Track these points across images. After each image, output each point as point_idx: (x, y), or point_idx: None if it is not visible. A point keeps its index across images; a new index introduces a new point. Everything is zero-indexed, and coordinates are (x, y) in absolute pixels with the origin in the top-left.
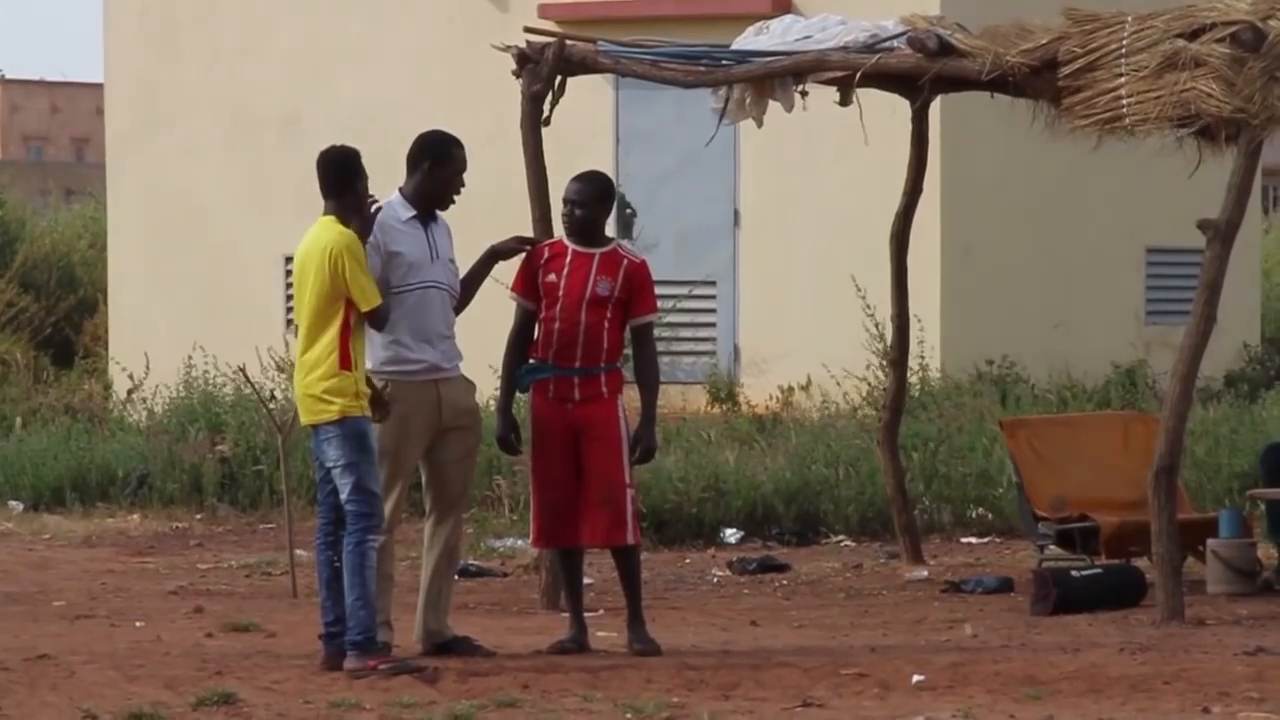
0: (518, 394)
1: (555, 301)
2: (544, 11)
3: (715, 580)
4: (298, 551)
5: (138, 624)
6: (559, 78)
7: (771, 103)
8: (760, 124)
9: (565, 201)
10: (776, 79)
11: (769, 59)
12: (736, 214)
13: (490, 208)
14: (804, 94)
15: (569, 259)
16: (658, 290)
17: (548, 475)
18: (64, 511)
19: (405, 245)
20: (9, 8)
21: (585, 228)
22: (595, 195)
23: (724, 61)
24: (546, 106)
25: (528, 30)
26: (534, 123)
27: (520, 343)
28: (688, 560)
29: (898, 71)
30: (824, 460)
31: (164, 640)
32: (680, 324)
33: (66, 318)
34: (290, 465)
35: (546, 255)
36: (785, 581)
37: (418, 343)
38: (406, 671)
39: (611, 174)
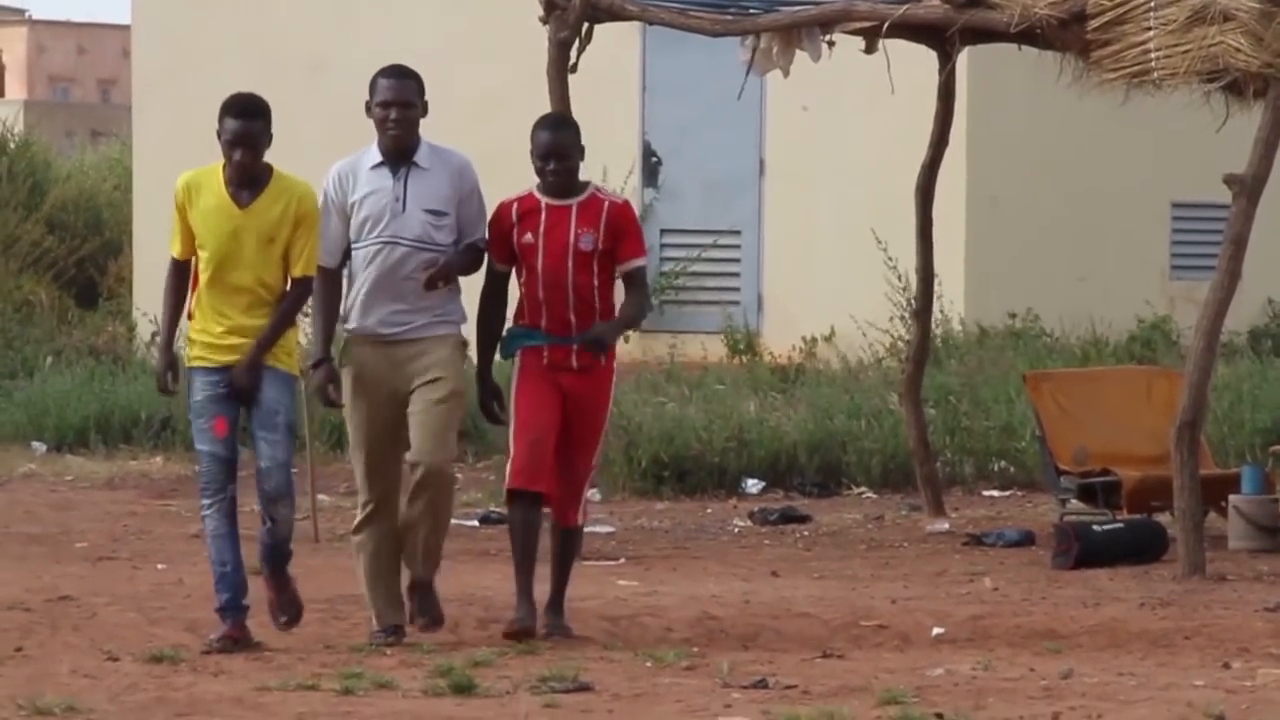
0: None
1: (535, 264)
2: None
3: (736, 530)
4: (320, 496)
5: (159, 566)
6: (586, 24)
7: (799, 52)
8: (787, 74)
9: (544, 156)
10: (804, 28)
11: (796, 8)
12: (762, 163)
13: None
14: (831, 44)
15: (544, 215)
16: (681, 239)
17: (535, 417)
18: (87, 453)
19: (363, 195)
20: None
21: (567, 179)
22: (577, 143)
23: (751, 10)
24: (573, 54)
25: None
26: (560, 70)
27: (494, 306)
28: (709, 510)
29: (925, 22)
30: (846, 411)
31: (185, 583)
32: (704, 273)
33: (91, 259)
34: (313, 409)
35: (516, 212)
36: (806, 533)
37: (371, 302)
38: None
39: (638, 122)
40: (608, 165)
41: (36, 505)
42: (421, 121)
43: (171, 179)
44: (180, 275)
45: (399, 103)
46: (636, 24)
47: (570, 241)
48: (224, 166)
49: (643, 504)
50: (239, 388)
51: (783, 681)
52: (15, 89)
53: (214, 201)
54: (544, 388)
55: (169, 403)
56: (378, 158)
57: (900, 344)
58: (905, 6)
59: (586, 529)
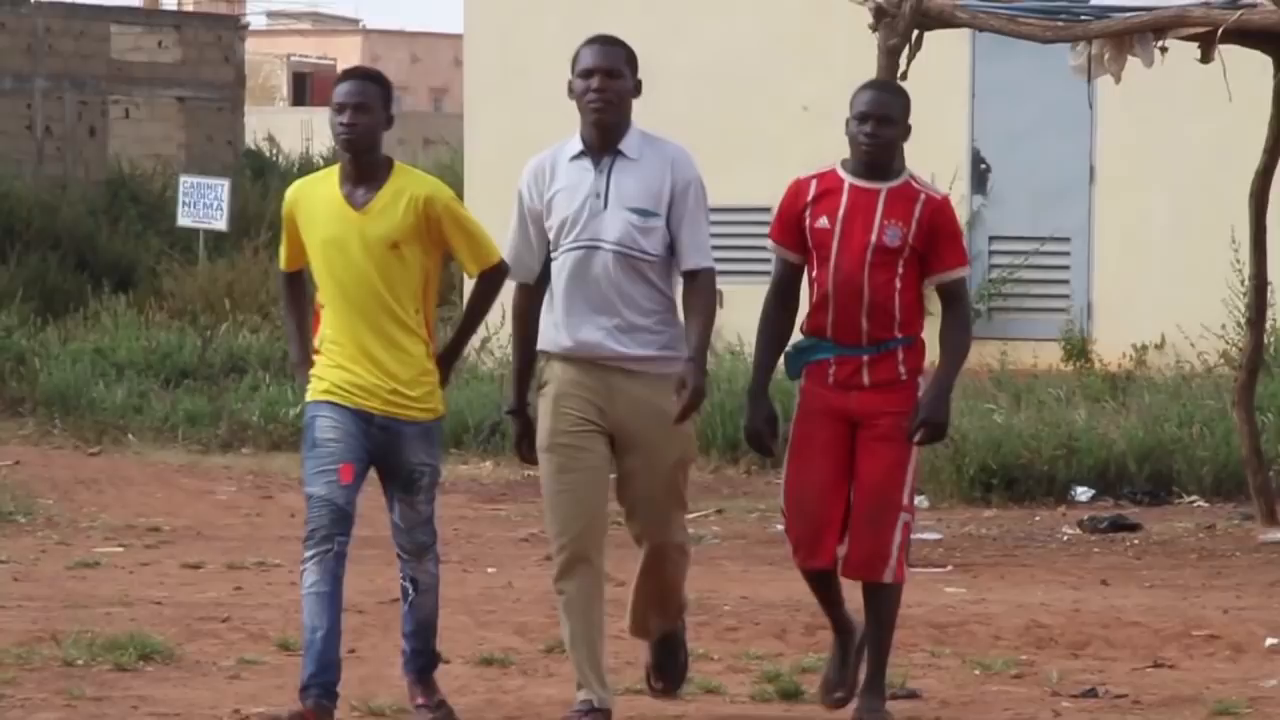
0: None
1: (828, 255)
2: None
3: (1065, 538)
4: None
5: (489, 570)
6: (916, 31)
7: (1130, 58)
8: (1118, 80)
9: (863, 116)
10: (1135, 34)
11: (1129, 14)
12: (1092, 170)
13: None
14: (1163, 50)
15: (845, 196)
16: (1009, 246)
17: (806, 478)
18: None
19: (558, 191)
20: None
21: (886, 152)
22: (903, 109)
23: (1083, 16)
24: (903, 61)
25: None
26: (890, 77)
27: (780, 307)
28: (1038, 518)
29: (1260, 28)
30: (1178, 419)
31: (515, 587)
32: (1033, 280)
33: None
34: None
35: (814, 190)
36: (1136, 541)
37: (570, 318)
38: None
39: (966, 129)
40: (935, 172)
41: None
42: (745, 127)
43: (503, 186)
44: (294, 286)
45: (603, 69)
46: (966, 31)
47: (874, 233)
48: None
49: (970, 511)
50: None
51: (1113, 691)
52: None
53: (323, 204)
54: (821, 431)
55: (498, 409)
56: (578, 146)
57: (1233, 351)
58: (1239, 12)
59: (914, 535)
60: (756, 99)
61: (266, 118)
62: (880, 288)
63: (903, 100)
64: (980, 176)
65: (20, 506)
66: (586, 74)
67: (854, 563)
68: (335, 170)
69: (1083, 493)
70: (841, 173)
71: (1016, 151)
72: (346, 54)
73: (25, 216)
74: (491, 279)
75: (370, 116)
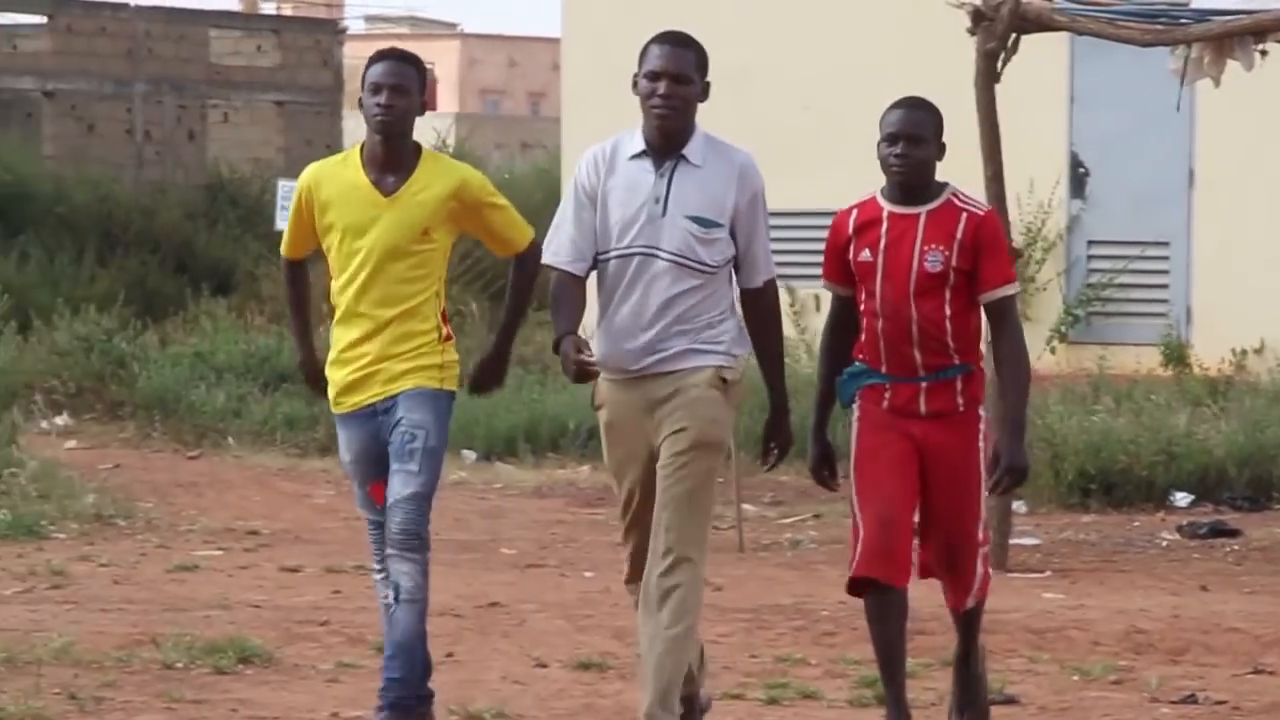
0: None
1: (874, 288)
2: None
3: (1164, 544)
4: (745, 506)
5: (587, 574)
6: (1013, 35)
7: (1230, 61)
8: (1218, 83)
9: (891, 137)
10: (1235, 38)
11: (1228, 17)
12: (1191, 174)
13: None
14: (1263, 53)
15: (885, 224)
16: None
17: (883, 480)
18: (515, 461)
19: (615, 188)
20: None
21: (920, 173)
22: (935, 127)
23: (1182, 20)
24: (1000, 64)
25: None
26: (987, 81)
27: (837, 342)
28: (1136, 523)
29: None
30: (1278, 424)
31: (612, 591)
32: (1132, 285)
33: None
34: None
35: (854, 223)
36: (1236, 547)
37: (618, 331)
38: None
39: (1065, 133)
40: (1034, 177)
41: (466, 513)
42: (840, 130)
43: None
44: (298, 275)
45: (672, 74)
46: (1064, 34)
47: (915, 260)
48: (361, 147)
49: (1069, 516)
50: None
51: (1212, 697)
52: (447, 102)
53: (348, 189)
54: (892, 440)
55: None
56: (639, 145)
57: None
58: None
59: (1011, 540)
60: (852, 102)
61: (364, 122)
62: (928, 316)
63: (934, 118)
64: (1079, 181)
65: (120, 510)
66: (653, 76)
67: (948, 600)
68: (354, 154)
69: (1182, 498)
70: (881, 200)
71: (1115, 156)
72: (445, 58)
73: (125, 220)
74: (528, 261)
75: (407, 99)
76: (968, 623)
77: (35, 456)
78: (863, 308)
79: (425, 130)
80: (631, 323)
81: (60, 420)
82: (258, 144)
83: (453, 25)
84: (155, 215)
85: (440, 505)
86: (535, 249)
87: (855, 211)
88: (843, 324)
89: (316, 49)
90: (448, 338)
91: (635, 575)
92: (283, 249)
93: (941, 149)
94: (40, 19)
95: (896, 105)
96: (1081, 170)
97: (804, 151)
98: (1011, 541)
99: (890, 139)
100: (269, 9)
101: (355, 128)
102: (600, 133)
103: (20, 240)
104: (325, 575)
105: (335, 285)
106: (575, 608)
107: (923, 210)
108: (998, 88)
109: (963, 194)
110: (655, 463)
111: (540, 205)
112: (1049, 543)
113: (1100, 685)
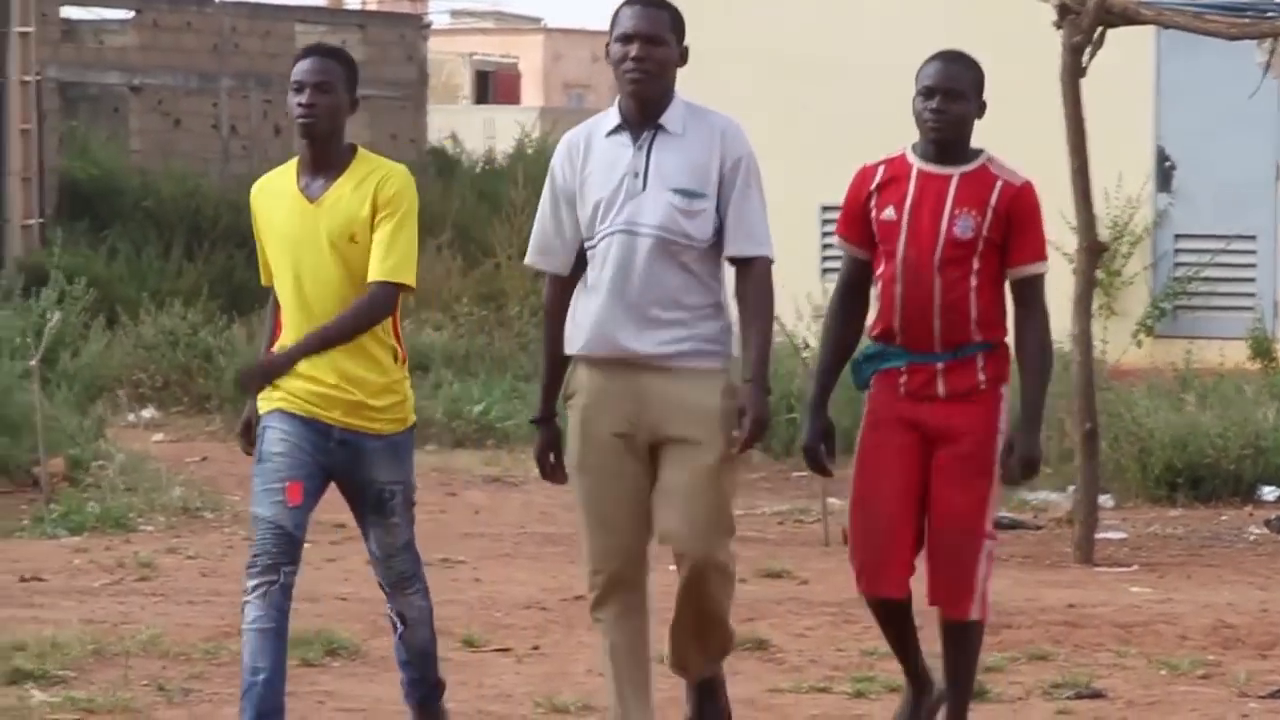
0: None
1: (894, 250)
2: None
3: (1252, 538)
4: (830, 500)
5: (671, 568)
6: (1099, 29)
7: None
8: None
9: (927, 92)
10: None
11: None
12: (1278, 168)
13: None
14: None
15: (913, 182)
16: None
17: (873, 495)
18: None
19: (592, 171)
20: None
21: (957, 130)
22: (974, 82)
23: (1269, 13)
24: (1085, 57)
25: None
26: (1074, 74)
27: (847, 309)
28: (1224, 517)
29: None
30: None
31: None
32: (1219, 279)
33: None
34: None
35: (880, 178)
36: None
37: (604, 316)
38: None
39: (1151, 126)
40: (1122, 171)
41: (551, 506)
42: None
43: None
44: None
45: (645, 36)
46: (1150, 28)
47: (944, 223)
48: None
49: (1155, 510)
50: (244, 383)
51: None
52: (532, 96)
53: (280, 199)
54: (890, 442)
55: None
56: (615, 120)
57: None
58: None
59: (1098, 534)
60: None
61: (449, 116)
62: (953, 285)
63: (973, 72)
64: (1165, 175)
65: (207, 502)
66: (625, 39)
67: (937, 593)
68: (294, 161)
69: (1269, 492)
70: (911, 157)
71: (1202, 149)
72: (529, 53)
73: (212, 215)
74: (380, 296)
75: (331, 97)
76: (965, 646)
77: (123, 449)
78: (880, 272)
79: (509, 124)
80: (618, 309)
81: (147, 413)
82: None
83: (537, 20)
84: (241, 209)
85: (526, 499)
86: (393, 297)
87: (882, 167)
88: (854, 289)
89: (401, 44)
90: (403, 359)
91: (602, 605)
92: (262, 277)
93: (982, 106)
94: (127, 14)
95: (934, 58)
96: (1168, 164)
97: (880, 141)
98: (1098, 536)
99: (926, 92)
100: (354, 4)
101: (440, 122)
102: None
103: (108, 235)
104: None
105: (280, 300)
106: (660, 601)
107: (956, 171)
108: (1084, 82)
109: (1000, 161)
110: (643, 462)
111: None
112: (1136, 537)
113: (1188, 680)
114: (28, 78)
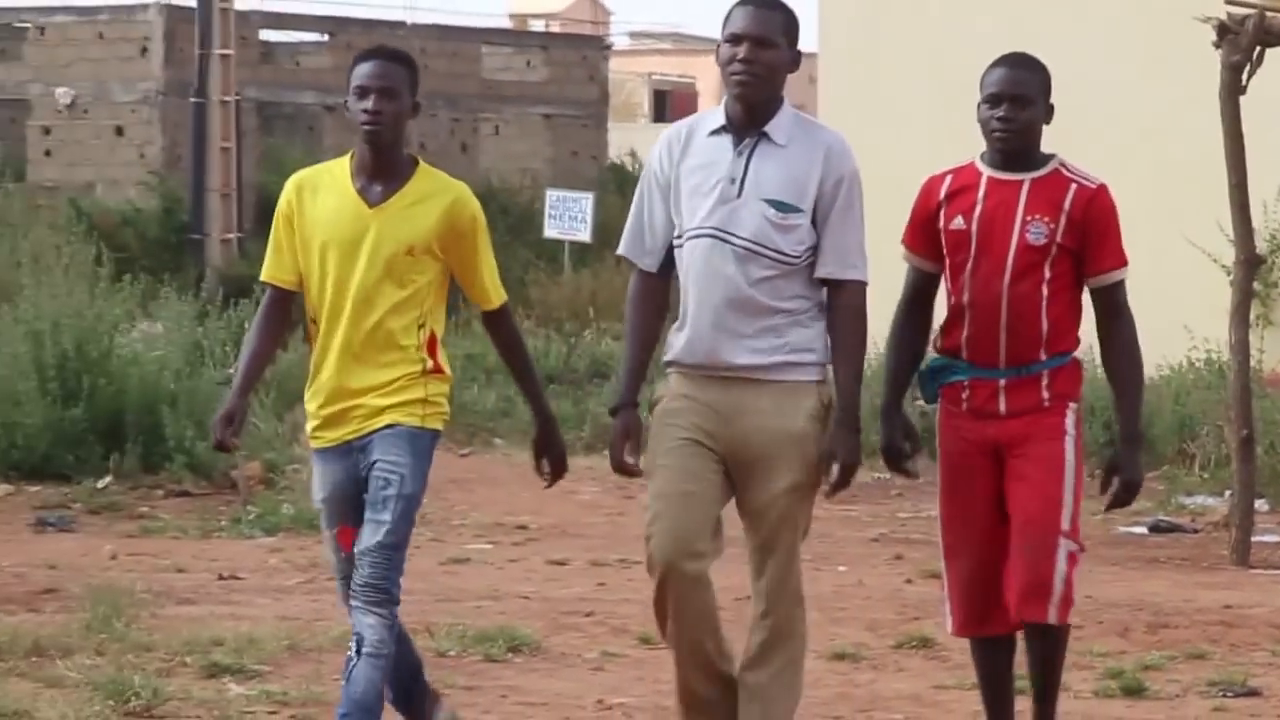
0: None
1: (964, 261)
2: None
3: None
4: None
5: (840, 568)
6: (1258, 48)
7: None
8: None
9: (993, 98)
10: None
11: None
12: None
13: (1187, 174)
14: None
15: (983, 190)
16: None
17: (964, 533)
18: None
19: (691, 168)
20: None
21: (1025, 138)
22: (1041, 86)
23: None
24: (1244, 76)
25: (1229, 3)
26: (1232, 92)
27: (912, 322)
28: None
29: None
30: None
31: (865, 585)
32: None
33: None
34: None
35: (948, 187)
36: None
37: (686, 320)
38: None
39: None
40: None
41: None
42: (1082, 140)
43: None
44: (278, 309)
45: (754, 37)
46: None
47: (1015, 231)
48: (351, 155)
49: None
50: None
51: None
52: None
53: (332, 199)
54: (969, 474)
55: None
56: (720, 120)
57: None
58: None
59: (1254, 537)
60: (1095, 112)
61: (628, 134)
62: (1024, 297)
63: (1040, 76)
64: None
65: None
66: (734, 40)
67: (1014, 601)
68: (344, 162)
69: None
70: (980, 165)
71: None
72: (705, 72)
73: None
74: (500, 321)
75: (397, 103)
76: (1047, 652)
77: None
78: (949, 284)
79: None
80: (701, 314)
81: None
82: (526, 155)
83: (713, 41)
84: None
85: None
86: (506, 310)
87: (950, 177)
88: (920, 303)
89: (583, 64)
90: (435, 370)
91: (665, 605)
92: (264, 273)
93: (1050, 110)
94: (322, 37)
95: (998, 63)
96: None
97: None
98: (1254, 539)
99: (992, 100)
100: (538, 26)
101: (619, 139)
102: (854, 140)
103: None
104: (590, 568)
105: (312, 306)
106: (829, 600)
107: (1027, 178)
108: (1244, 99)
109: (1072, 165)
110: (720, 474)
111: None
112: None
113: None
114: (228, 98)
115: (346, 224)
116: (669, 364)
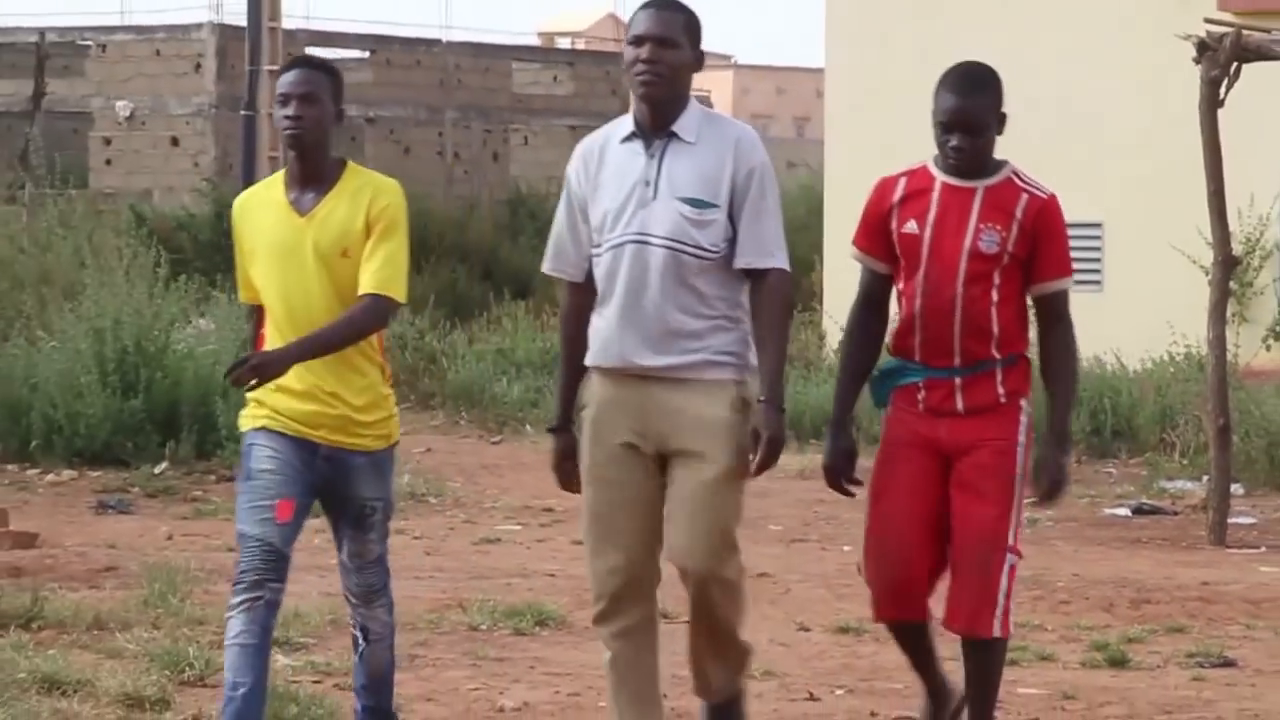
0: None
1: (917, 265)
2: (1223, 4)
3: None
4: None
5: (845, 548)
6: (1235, 64)
7: None
8: None
9: (948, 125)
10: None
11: None
12: None
13: (1164, 183)
14: None
15: (936, 196)
16: None
17: (890, 520)
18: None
19: (605, 179)
20: (744, 2)
21: (978, 159)
22: (993, 107)
23: None
24: (1223, 91)
25: (1208, 21)
26: (1211, 105)
27: (866, 324)
28: None
29: None
30: None
31: None
32: None
33: None
34: None
35: (902, 190)
36: None
37: (607, 325)
38: None
39: None
40: (1254, 192)
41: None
42: (1066, 152)
43: (858, 206)
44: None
45: (656, 38)
46: None
47: (968, 238)
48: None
49: None
50: (235, 378)
51: None
52: None
53: (268, 212)
54: (908, 464)
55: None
56: (629, 127)
57: None
58: None
59: (1230, 519)
60: (1086, 123)
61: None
62: (975, 301)
63: (991, 98)
64: None
65: (432, 489)
66: (637, 42)
67: (957, 615)
68: (280, 175)
69: None
70: (933, 169)
71: None
72: (720, 86)
73: (437, 232)
74: (372, 307)
75: (318, 109)
76: (988, 665)
77: None
78: (901, 286)
79: None
80: (623, 318)
81: None
82: (553, 164)
83: (727, 57)
84: (464, 228)
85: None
86: (388, 310)
87: (903, 180)
88: (873, 304)
89: (606, 79)
90: (389, 376)
91: (606, 621)
92: (240, 294)
93: (1002, 120)
94: (363, 54)
95: (950, 86)
96: None
97: (1046, 177)
98: (1230, 521)
99: (944, 128)
100: (564, 44)
101: None
102: (858, 152)
103: None
104: None
105: (267, 313)
106: (835, 578)
107: (980, 185)
108: (1221, 112)
109: (1024, 174)
110: (653, 476)
111: (803, 220)
112: (1265, 521)
113: None
114: None
115: (283, 236)
116: (589, 366)
